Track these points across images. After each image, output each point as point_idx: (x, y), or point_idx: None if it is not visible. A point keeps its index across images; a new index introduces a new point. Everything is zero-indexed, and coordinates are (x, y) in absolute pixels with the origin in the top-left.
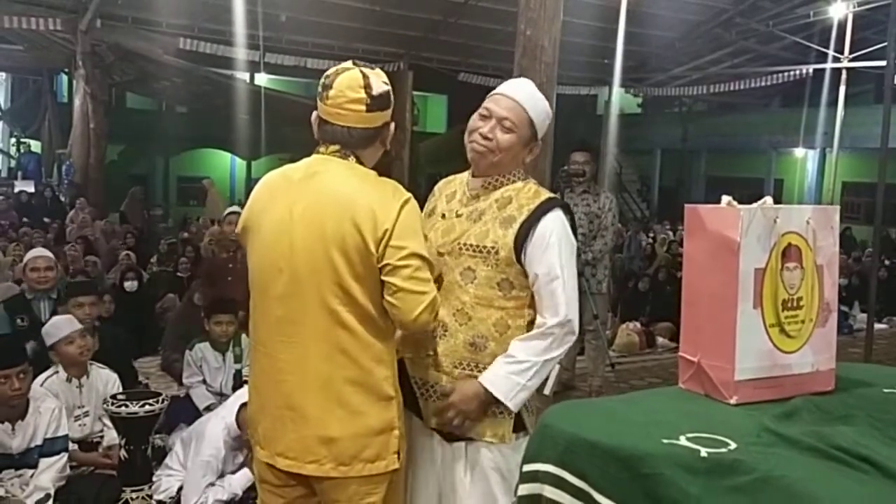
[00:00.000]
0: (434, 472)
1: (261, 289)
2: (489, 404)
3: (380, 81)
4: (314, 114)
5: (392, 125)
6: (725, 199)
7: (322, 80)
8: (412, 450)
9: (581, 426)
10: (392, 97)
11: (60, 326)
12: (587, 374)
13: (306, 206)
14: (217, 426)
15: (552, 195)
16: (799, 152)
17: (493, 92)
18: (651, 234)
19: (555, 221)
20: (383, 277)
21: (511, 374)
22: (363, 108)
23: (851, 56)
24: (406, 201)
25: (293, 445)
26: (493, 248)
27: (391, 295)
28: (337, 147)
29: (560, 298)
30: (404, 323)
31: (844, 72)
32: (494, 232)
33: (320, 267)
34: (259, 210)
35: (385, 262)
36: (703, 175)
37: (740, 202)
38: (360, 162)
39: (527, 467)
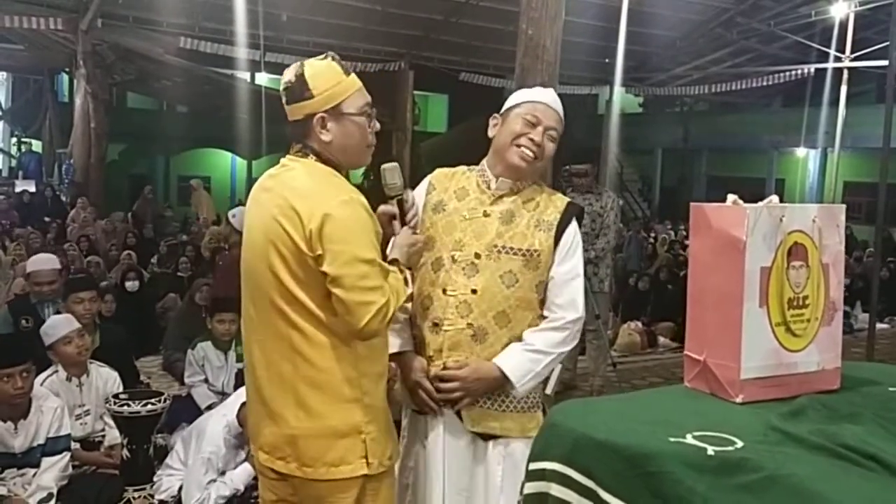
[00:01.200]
0: (466, 470)
1: (242, 291)
2: (496, 388)
3: (292, 73)
4: None
5: (319, 116)
6: (731, 197)
7: None
8: (441, 450)
9: (588, 424)
10: (308, 86)
11: (58, 326)
12: (588, 373)
13: (260, 209)
14: (218, 423)
15: (569, 199)
16: (800, 152)
17: (532, 99)
18: (652, 234)
19: (576, 226)
20: (328, 286)
21: (527, 361)
22: (286, 100)
23: (853, 56)
24: (344, 203)
25: (269, 440)
26: (536, 251)
27: (337, 304)
28: (298, 147)
29: (579, 296)
30: (353, 332)
31: (846, 71)
32: (534, 235)
33: (265, 269)
34: (246, 213)
35: (324, 269)
36: (704, 175)
37: (742, 202)
38: (322, 160)
39: (533, 465)
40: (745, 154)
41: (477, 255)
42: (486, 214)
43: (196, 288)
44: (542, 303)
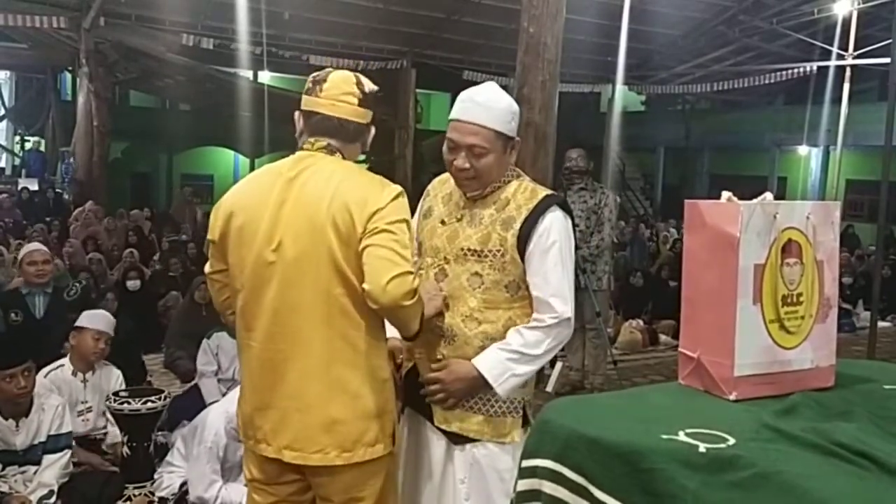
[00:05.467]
0: (436, 473)
1: (252, 284)
2: (478, 388)
3: (370, 82)
4: (297, 112)
5: (373, 129)
6: (725, 194)
7: (312, 77)
8: (417, 450)
9: (580, 422)
10: (377, 99)
11: (100, 320)
12: (589, 371)
13: (298, 197)
14: (219, 415)
15: (549, 192)
16: (803, 150)
17: (452, 115)
18: (651, 232)
19: (554, 220)
20: (364, 242)
21: (504, 360)
22: (356, 101)
23: (855, 53)
24: (399, 194)
25: (299, 436)
26: (498, 251)
27: (364, 265)
28: (324, 143)
29: (560, 294)
30: (374, 294)
31: (848, 69)
32: (497, 234)
33: (317, 253)
34: (244, 206)
35: (363, 235)
36: (706, 173)
37: (743, 200)
38: (343, 158)
39: (525, 463)
40: (748, 152)
41: (446, 260)
42: (459, 219)
43: (195, 286)
44: (522, 301)
